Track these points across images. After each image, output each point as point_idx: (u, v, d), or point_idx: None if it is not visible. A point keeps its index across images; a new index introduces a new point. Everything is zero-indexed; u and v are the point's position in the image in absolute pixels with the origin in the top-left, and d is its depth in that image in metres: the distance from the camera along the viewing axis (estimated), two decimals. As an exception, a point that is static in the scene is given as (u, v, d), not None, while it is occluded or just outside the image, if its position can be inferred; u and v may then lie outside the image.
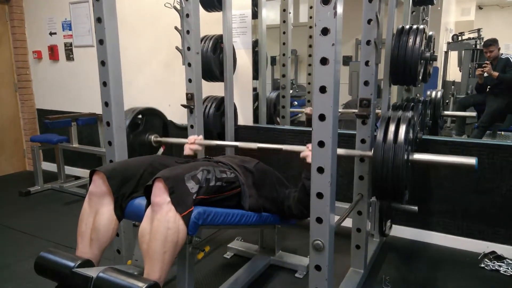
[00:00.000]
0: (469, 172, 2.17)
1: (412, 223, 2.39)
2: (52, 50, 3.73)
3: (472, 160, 1.41)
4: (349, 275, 1.85)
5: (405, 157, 1.47)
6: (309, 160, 1.48)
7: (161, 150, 2.10)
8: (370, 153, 1.58)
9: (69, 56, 3.67)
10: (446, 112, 2.90)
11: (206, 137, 2.27)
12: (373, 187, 1.61)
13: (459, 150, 2.19)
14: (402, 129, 1.47)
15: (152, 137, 2.05)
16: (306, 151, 1.53)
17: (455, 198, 2.24)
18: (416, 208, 2.00)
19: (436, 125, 2.53)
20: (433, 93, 2.51)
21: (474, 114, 2.93)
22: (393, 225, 2.36)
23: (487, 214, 2.17)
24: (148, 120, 2.07)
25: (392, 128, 1.48)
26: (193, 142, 1.84)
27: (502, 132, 3.05)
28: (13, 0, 3.78)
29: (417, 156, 1.54)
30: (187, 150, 1.85)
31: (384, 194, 1.59)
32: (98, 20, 1.53)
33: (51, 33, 3.72)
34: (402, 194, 1.53)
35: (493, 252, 2.12)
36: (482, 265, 2.04)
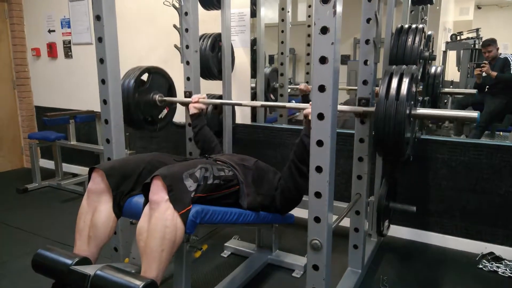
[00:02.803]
0: (468, 171, 2.18)
1: (410, 223, 2.40)
2: (51, 47, 3.72)
3: (474, 114, 1.39)
4: (346, 275, 1.86)
5: (407, 111, 1.44)
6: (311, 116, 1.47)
7: (165, 111, 2.11)
8: (372, 109, 1.55)
9: (68, 54, 3.66)
10: (445, 89, 2.82)
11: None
12: (375, 144, 1.56)
13: (458, 150, 2.19)
14: (405, 83, 1.42)
15: (157, 97, 2.06)
16: (309, 108, 1.52)
17: (454, 198, 2.25)
18: (414, 208, 2.01)
19: (435, 103, 2.47)
20: (433, 69, 2.42)
21: (474, 91, 2.88)
22: (391, 225, 2.36)
23: (486, 215, 2.18)
24: (154, 79, 2.07)
25: (394, 82, 1.44)
26: (197, 101, 1.95)
27: (501, 133, 3.05)
28: (11, -3, 3.77)
29: (420, 111, 1.52)
30: (191, 109, 1.99)
31: (385, 150, 1.54)
32: (97, 17, 1.53)
33: (49, 31, 3.71)
34: (403, 150, 1.49)
35: (491, 253, 2.12)
36: (480, 266, 2.04)
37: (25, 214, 2.85)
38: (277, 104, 1.82)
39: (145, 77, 2.05)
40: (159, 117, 2.11)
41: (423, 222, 2.36)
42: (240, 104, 2.08)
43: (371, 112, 1.59)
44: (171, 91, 2.18)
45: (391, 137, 1.43)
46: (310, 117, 1.47)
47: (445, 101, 3.19)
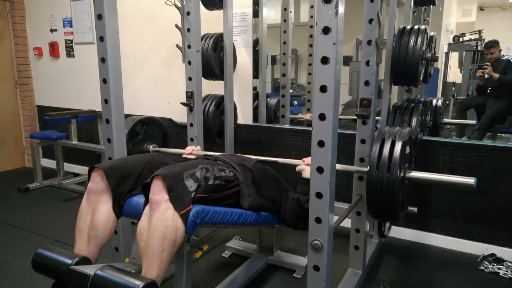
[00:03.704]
0: (469, 173, 2.17)
1: (411, 224, 2.39)
2: (53, 47, 3.73)
3: (470, 180, 1.40)
4: (347, 276, 1.85)
5: (401, 175, 1.46)
6: (305, 174, 1.49)
7: None
8: (366, 169, 1.56)
9: (70, 53, 3.67)
10: (446, 120, 2.89)
11: (205, 135, 2.27)
12: (368, 208, 1.58)
13: (459, 152, 2.18)
14: (398, 146, 1.44)
15: (151, 147, 2.07)
16: (302, 165, 1.54)
17: (455, 200, 2.24)
18: (416, 209, 2.00)
19: (437, 132, 2.53)
20: (434, 101, 2.52)
21: (474, 122, 2.94)
22: (392, 226, 2.35)
23: (487, 216, 2.17)
24: (148, 130, 2.08)
25: (387, 146, 1.45)
26: (190, 153, 1.88)
27: (503, 134, 3.04)
28: (14, -4, 3.78)
29: (414, 174, 1.54)
30: None
31: (378, 213, 1.56)
32: (99, 17, 1.53)
33: (51, 30, 3.72)
34: (396, 214, 1.50)
35: (492, 255, 2.11)
36: (482, 268, 2.03)
37: (26, 213, 2.85)
38: (270, 159, 1.83)
39: (139, 127, 2.05)
40: None
41: (424, 223, 2.35)
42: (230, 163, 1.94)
43: (365, 171, 1.59)
44: (166, 139, 2.19)
45: (384, 201, 1.45)
46: (304, 175, 1.50)
47: (447, 102, 3.19)
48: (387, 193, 1.43)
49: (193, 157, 1.86)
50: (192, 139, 2.24)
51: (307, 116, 2.79)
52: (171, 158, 1.57)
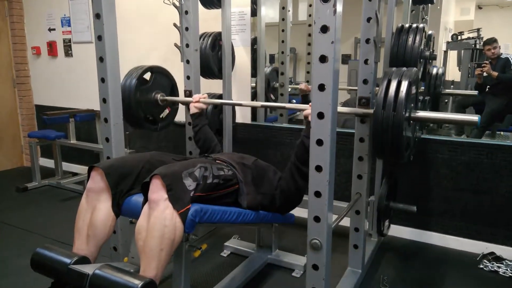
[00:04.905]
0: (469, 171, 2.18)
1: (410, 223, 2.39)
2: (51, 46, 3.72)
3: (475, 118, 1.38)
4: (346, 275, 1.85)
5: (407, 114, 1.44)
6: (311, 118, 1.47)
7: (166, 111, 2.11)
8: (371, 111, 1.54)
9: (68, 52, 3.66)
10: (446, 90, 2.81)
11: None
12: (374, 147, 1.56)
13: (458, 150, 2.18)
14: (404, 85, 1.41)
15: (159, 96, 2.06)
16: (309, 109, 1.52)
17: (454, 198, 2.24)
18: (415, 207, 2.01)
19: (437, 104, 2.47)
20: (434, 70, 2.43)
21: (475, 92, 2.87)
22: (391, 225, 2.36)
23: (486, 215, 2.17)
24: (157, 79, 2.07)
25: (394, 84, 1.43)
26: (198, 100, 1.96)
27: (501, 132, 3.05)
28: (12, -5, 3.77)
29: (420, 114, 1.52)
30: (192, 109, 2.00)
31: (384, 153, 1.53)
32: (97, 16, 1.52)
33: (50, 29, 3.70)
34: (402, 153, 1.48)
35: (492, 253, 2.11)
36: (481, 266, 2.03)
37: (25, 212, 2.85)
38: (277, 104, 1.82)
39: (148, 76, 2.04)
40: (161, 116, 2.11)
41: (424, 222, 2.35)
42: (240, 104, 2.07)
43: (370, 113, 1.58)
44: (174, 91, 2.18)
45: (390, 141, 1.43)
46: (310, 118, 1.49)
47: (446, 101, 3.19)
48: (393, 132, 1.41)
49: (201, 104, 1.97)
50: (190, 138, 2.24)
51: (302, 86, 2.79)
52: (170, 157, 1.57)
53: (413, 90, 1.49)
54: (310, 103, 1.49)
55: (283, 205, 1.64)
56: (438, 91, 2.44)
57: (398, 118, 1.39)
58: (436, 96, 2.42)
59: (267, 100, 2.93)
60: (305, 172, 1.43)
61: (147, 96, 2.02)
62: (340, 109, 1.38)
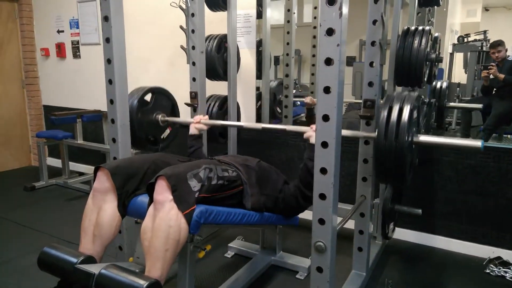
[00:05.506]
0: (475, 174, 2.16)
1: (415, 226, 2.38)
2: (60, 47, 3.77)
3: (478, 143, 1.36)
4: (351, 278, 1.85)
5: (409, 138, 1.43)
6: (312, 140, 1.48)
7: (167, 131, 2.11)
8: (374, 134, 1.54)
9: (76, 54, 3.70)
10: (451, 104, 2.80)
11: (208, 136, 2.28)
12: (376, 173, 1.56)
13: (465, 153, 2.16)
14: (407, 109, 1.41)
15: (160, 116, 2.06)
16: (310, 132, 1.53)
17: (460, 201, 2.23)
18: (420, 210, 1.99)
19: (442, 116, 2.47)
20: (438, 84, 2.43)
21: (480, 106, 2.85)
22: (396, 228, 2.34)
23: (493, 218, 2.15)
24: (158, 99, 2.08)
25: (396, 108, 1.43)
26: (199, 121, 1.91)
27: (508, 136, 3.01)
28: (21, -2, 3.83)
29: (422, 138, 1.51)
30: (192, 129, 1.93)
31: (386, 179, 1.54)
32: (105, 18, 1.54)
33: (58, 31, 3.76)
34: (405, 178, 1.48)
35: (498, 258, 2.09)
36: (488, 271, 2.01)
37: (32, 212, 2.88)
38: (278, 127, 1.82)
39: (148, 97, 2.05)
40: (162, 137, 2.10)
41: (429, 225, 2.34)
42: (241, 126, 2.00)
43: (373, 137, 1.57)
44: (174, 111, 2.19)
45: (393, 168, 1.44)
46: (311, 141, 1.50)
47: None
48: (395, 161, 1.41)
49: (201, 125, 1.91)
50: (196, 140, 2.24)
51: (307, 99, 2.79)
52: (176, 158, 1.58)
53: (415, 115, 1.50)
54: (311, 125, 1.51)
55: (285, 212, 1.67)
56: (442, 104, 2.46)
57: (401, 147, 1.40)
58: (440, 109, 2.44)
59: (273, 112, 2.94)
60: (308, 195, 1.47)
61: (148, 117, 2.03)
62: (344, 132, 1.38)
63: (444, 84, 2.45)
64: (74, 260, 1.17)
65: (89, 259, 1.21)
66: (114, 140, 1.66)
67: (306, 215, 1.57)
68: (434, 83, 2.39)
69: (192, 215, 1.20)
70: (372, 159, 1.67)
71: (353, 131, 1.65)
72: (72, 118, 3.31)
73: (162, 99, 2.11)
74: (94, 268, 1.13)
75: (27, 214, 2.82)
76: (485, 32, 3.32)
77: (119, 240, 1.73)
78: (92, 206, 1.35)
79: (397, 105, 1.44)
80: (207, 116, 1.99)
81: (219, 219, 1.33)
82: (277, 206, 1.64)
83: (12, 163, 4.04)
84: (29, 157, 4.21)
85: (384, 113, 1.45)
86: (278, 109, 2.97)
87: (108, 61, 1.58)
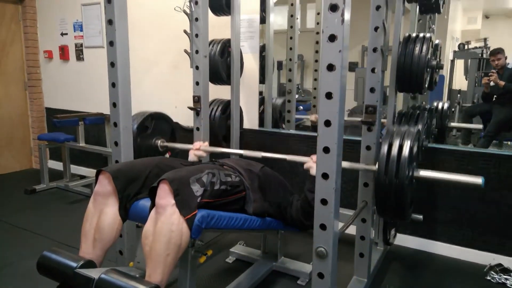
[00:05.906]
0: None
1: (417, 232, 2.37)
2: (63, 50, 3.79)
3: (478, 180, 1.39)
4: (352, 284, 1.84)
5: (410, 173, 1.45)
6: (312, 172, 1.49)
7: (167, 155, 2.13)
8: (375, 167, 1.56)
9: (79, 57, 3.72)
10: (452, 124, 2.86)
11: (211, 140, 2.28)
12: (377, 209, 1.59)
13: (465, 160, 2.17)
14: (407, 146, 1.44)
15: (159, 142, 2.07)
16: (310, 163, 1.53)
17: (461, 208, 2.22)
18: (421, 217, 1.99)
19: (443, 136, 2.51)
20: (440, 104, 2.50)
21: (480, 126, 2.90)
22: (398, 234, 2.34)
23: (494, 225, 2.15)
24: (157, 124, 2.09)
25: (396, 144, 1.46)
26: (198, 148, 1.86)
27: (509, 142, 3.01)
28: (26, 0, 3.85)
29: (423, 172, 1.53)
30: (191, 156, 1.87)
31: (387, 214, 1.57)
32: (109, 22, 1.55)
33: (62, 34, 3.78)
34: (405, 212, 1.51)
35: (499, 265, 2.08)
36: (488, 278, 2.01)
37: (32, 215, 2.88)
38: (278, 156, 1.82)
39: (149, 121, 2.05)
40: None
41: (430, 231, 2.33)
42: (241, 155, 1.94)
43: (374, 170, 1.59)
44: (174, 135, 2.20)
45: (393, 204, 1.46)
46: (311, 172, 1.51)
47: (453, 109, 3.17)
48: (396, 198, 1.43)
49: (201, 152, 1.87)
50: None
51: (312, 117, 2.79)
52: (178, 162, 1.58)
53: (415, 149, 1.52)
54: (311, 155, 1.52)
55: (286, 220, 1.68)
56: (444, 124, 2.51)
57: (401, 184, 1.42)
58: (442, 129, 2.49)
59: (277, 127, 2.93)
60: (307, 224, 1.52)
61: (147, 142, 2.03)
62: (344, 164, 1.40)
63: (446, 105, 2.51)
64: (73, 264, 1.16)
65: (89, 264, 1.21)
66: (116, 144, 1.66)
67: (308, 220, 1.57)
68: (435, 103, 2.46)
69: (194, 220, 1.20)
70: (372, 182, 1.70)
71: (353, 163, 1.67)
72: (74, 120, 3.32)
73: (162, 123, 2.13)
74: (94, 273, 1.12)
75: (27, 217, 2.82)
76: (485, 39, 3.34)
77: (119, 244, 1.72)
78: (93, 209, 1.35)
79: (397, 141, 1.46)
80: (207, 143, 1.95)
81: (221, 224, 1.33)
82: (279, 211, 1.64)
83: (13, 165, 4.04)
84: (30, 159, 4.21)
85: (384, 149, 1.48)
86: (284, 126, 2.99)
87: (112, 64, 1.59)
